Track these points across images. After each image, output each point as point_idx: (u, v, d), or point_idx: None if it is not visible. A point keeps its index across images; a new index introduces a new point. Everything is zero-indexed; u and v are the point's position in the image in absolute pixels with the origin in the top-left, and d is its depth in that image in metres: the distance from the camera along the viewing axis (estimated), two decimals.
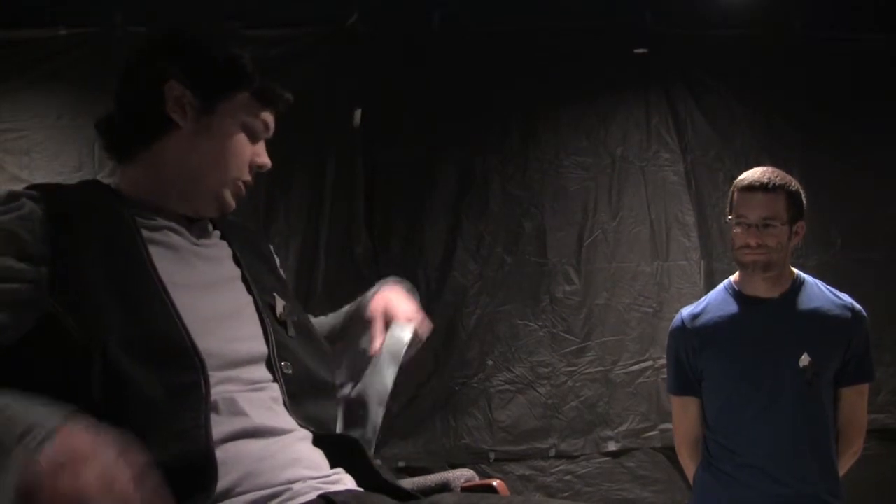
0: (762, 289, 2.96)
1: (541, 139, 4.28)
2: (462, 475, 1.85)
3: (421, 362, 4.07)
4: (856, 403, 3.02)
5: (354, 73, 4.14)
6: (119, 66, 3.41)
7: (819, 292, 3.02)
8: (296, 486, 1.46)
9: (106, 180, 1.73)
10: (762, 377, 2.89)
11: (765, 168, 2.98)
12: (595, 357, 4.17)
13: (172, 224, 1.63)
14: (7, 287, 1.42)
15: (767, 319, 2.94)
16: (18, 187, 1.56)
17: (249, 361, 1.56)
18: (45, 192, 1.52)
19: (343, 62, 4.14)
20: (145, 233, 1.57)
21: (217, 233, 1.74)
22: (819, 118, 4.36)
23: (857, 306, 3.00)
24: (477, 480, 1.84)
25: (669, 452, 4.10)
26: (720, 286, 3.11)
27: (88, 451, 1.19)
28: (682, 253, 4.23)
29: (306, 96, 4.05)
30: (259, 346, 1.60)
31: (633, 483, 4.06)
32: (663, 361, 4.06)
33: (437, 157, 4.21)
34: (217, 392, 1.47)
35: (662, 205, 4.27)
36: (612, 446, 4.17)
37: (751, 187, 2.90)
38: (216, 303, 1.58)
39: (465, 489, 1.80)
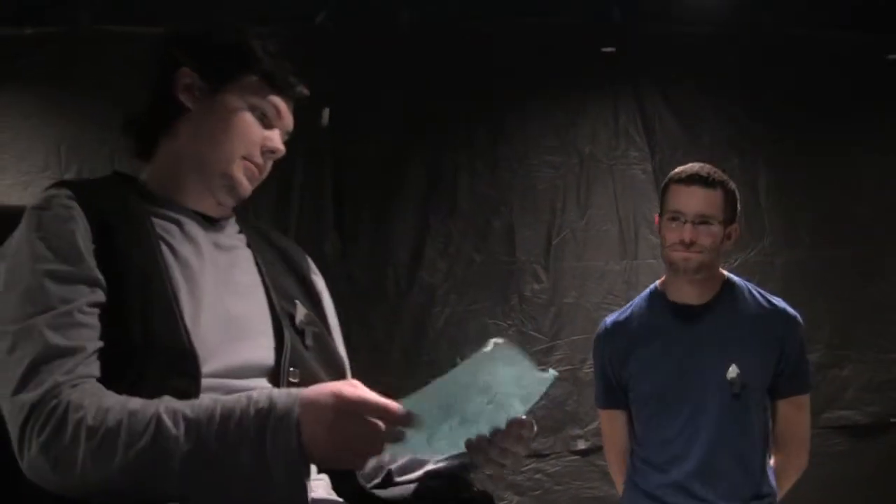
0: (689, 294, 2.83)
1: (509, 137, 4.28)
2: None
3: (391, 362, 4.06)
4: (795, 416, 2.87)
5: (322, 72, 4.12)
6: (87, 65, 3.38)
7: (750, 297, 2.87)
8: None
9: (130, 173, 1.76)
10: (688, 390, 2.75)
11: (702, 163, 2.87)
12: (564, 356, 4.16)
13: (192, 220, 1.66)
14: (92, 298, 1.46)
15: (694, 328, 2.80)
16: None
17: (248, 368, 1.56)
18: (78, 192, 1.55)
19: (311, 60, 4.11)
20: (162, 226, 1.60)
21: (242, 236, 1.76)
22: (788, 116, 4.38)
23: (791, 311, 2.85)
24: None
25: None
26: (646, 291, 3.00)
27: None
28: (651, 251, 4.22)
29: None
30: (262, 354, 1.59)
31: (603, 481, 4.05)
32: None
33: (405, 155, 4.20)
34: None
35: (631, 203, 4.28)
36: (581, 444, 4.16)
37: (689, 180, 2.78)
38: (227, 305, 1.59)
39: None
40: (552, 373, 1.55)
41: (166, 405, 1.36)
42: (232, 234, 1.75)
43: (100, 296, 1.46)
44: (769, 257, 4.31)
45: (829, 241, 4.37)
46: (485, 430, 1.54)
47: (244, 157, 1.70)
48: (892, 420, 4.37)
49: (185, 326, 1.47)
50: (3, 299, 1.46)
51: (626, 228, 4.26)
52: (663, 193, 2.88)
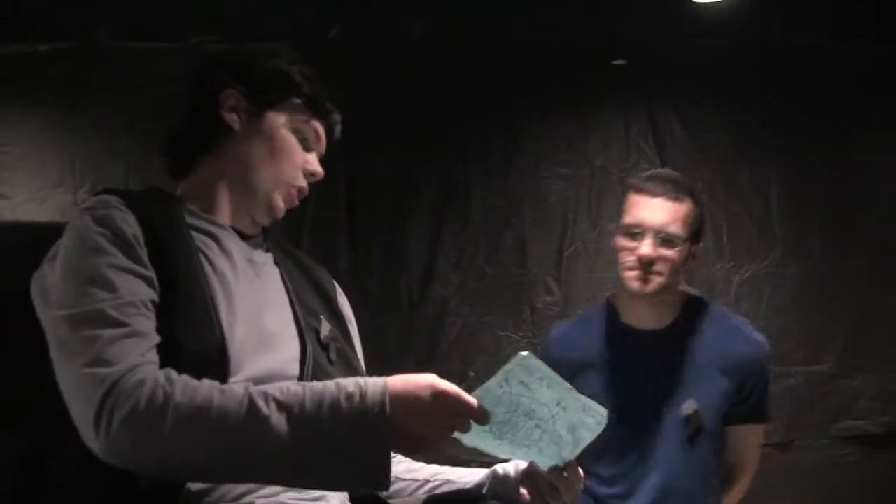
0: (645, 318, 2.57)
1: (521, 150, 4.29)
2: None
3: (404, 373, 4.06)
4: (747, 441, 2.68)
5: (335, 86, 4.13)
6: (102, 80, 3.40)
7: (714, 324, 2.60)
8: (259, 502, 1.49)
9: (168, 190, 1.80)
10: (641, 426, 2.51)
11: (669, 170, 2.64)
12: None
13: (228, 235, 1.71)
14: (152, 295, 1.50)
15: (649, 357, 2.54)
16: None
17: (273, 378, 1.57)
18: (127, 199, 1.59)
19: (323, 75, 4.13)
20: (201, 239, 1.64)
21: (269, 253, 1.81)
22: (799, 126, 4.37)
23: (758, 339, 2.62)
24: None
25: None
26: (599, 305, 2.74)
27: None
28: None
29: None
30: (288, 365, 1.63)
31: None
32: None
33: (418, 168, 4.22)
34: None
35: None
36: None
37: (652, 189, 2.49)
38: (258, 317, 1.63)
39: None
40: (603, 410, 1.63)
41: (255, 387, 1.40)
42: (261, 250, 1.80)
43: (154, 296, 1.51)
44: (780, 268, 4.31)
45: (840, 252, 4.36)
46: (537, 456, 1.66)
47: (287, 181, 1.75)
48: None
49: (222, 335, 1.51)
50: (63, 287, 1.49)
51: None
52: (623, 201, 2.58)
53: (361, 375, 1.76)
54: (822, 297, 4.33)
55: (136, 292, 1.48)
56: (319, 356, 1.69)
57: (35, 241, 1.62)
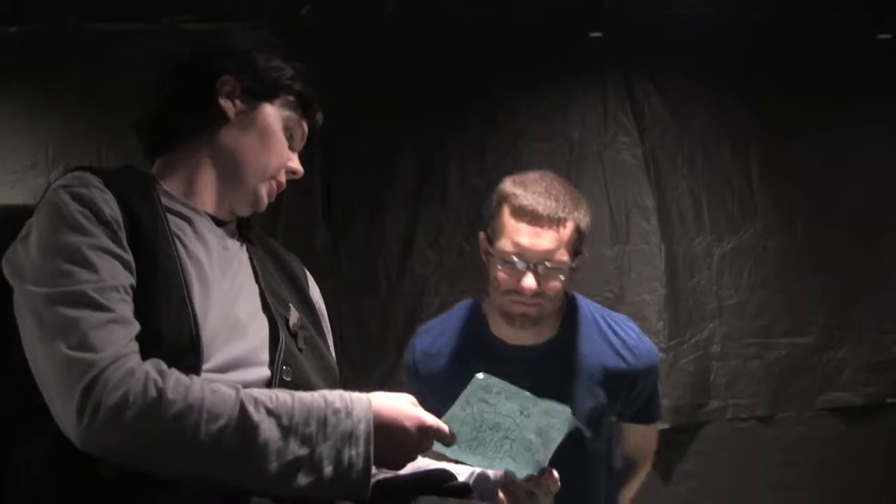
0: (521, 336, 2.37)
1: (499, 126, 4.25)
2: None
3: (382, 354, 4.05)
4: (642, 437, 2.61)
5: (308, 65, 4.10)
6: (73, 63, 3.37)
7: (595, 332, 2.43)
8: None
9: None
10: None
11: (547, 182, 2.30)
12: None
13: (203, 220, 1.68)
14: (130, 280, 1.48)
15: (526, 374, 2.10)
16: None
17: (244, 363, 1.58)
18: (105, 178, 1.56)
19: (296, 54, 4.10)
20: (176, 223, 1.61)
21: (241, 242, 1.79)
22: (779, 100, 4.34)
23: (645, 346, 2.47)
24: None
25: None
26: (466, 311, 2.51)
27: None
28: (642, 237, 4.21)
29: None
30: (258, 352, 1.62)
31: None
32: None
33: (394, 147, 4.18)
34: None
35: (622, 189, 4.25)
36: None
37: (535, 216, 2.21)
38: (231, 304, 1.62)
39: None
40: (566, 408, 1.71)
41: (245, 392, 1.42)
42: (234, 238, 1.77)
43: (133, 280, 1.48)
44: (762, 240, 4.29)
45: (822, 223, 4.35)
46: (511, 465, 1.77)
47: (272, 176, 1.75)
48: (889, 401, 4.35)
49: (195, 322, 1.50)
50: (41, 263, 1.45)
51: (617, 214, 4.24)
52: (496, 213, 2.29)
53: (331, 364, 1.82)
54: (805, 270, 4.32)
55: (117, 276, 1.45)
56: (290, 343, 1.68)
57: (6, 222, 1.58)
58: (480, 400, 1.63)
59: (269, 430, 1.38)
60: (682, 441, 4.20)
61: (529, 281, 2.22)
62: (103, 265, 1.44)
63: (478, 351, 2.38)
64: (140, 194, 1.59)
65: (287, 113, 1.76)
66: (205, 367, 1.49)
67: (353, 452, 1.42)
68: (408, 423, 1.51)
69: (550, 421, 1.70)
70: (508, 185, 2.31)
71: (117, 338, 1.38)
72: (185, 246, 1.59)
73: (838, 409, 4.32)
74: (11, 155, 3.99)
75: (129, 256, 1.48)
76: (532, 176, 2.33)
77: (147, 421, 1.33)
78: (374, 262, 4.11)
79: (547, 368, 2.35)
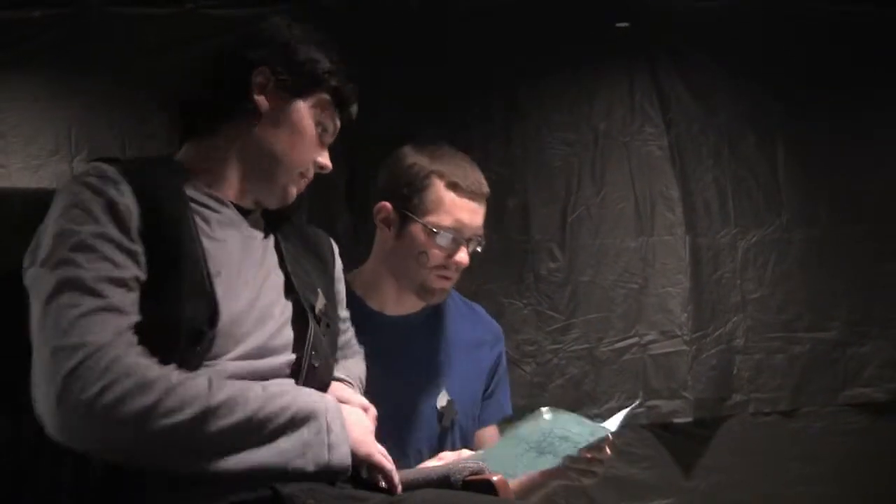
0: (402, 305, 2.38)
1: (523, 115, 4.22)
2: (467, 468, 1.84)
3: None
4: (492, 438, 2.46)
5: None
6: (96, 47, 3.34)
7: (459, 305, 2.50)
8: None
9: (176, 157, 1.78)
10: (399, 420, 2.25)
11: (470, 161, 2.43)
12: (580, 334, 4.12)
13: (228, 209, 1.70)
14: (137, 272, 1.49)
15: (401, 344, 2.33)
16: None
17: (271, 351, 1.61)
18: (124, 169, 1.57)
19: (332, 43, 4.08)
20: (200, 212, 1.62)
21: (268, 229, 1.80)
22: (807, 90, 4.31)
23: (494, 322, 2.55)
24: (484, 474, 1.81)
25: (657, 430, 4.09)
26: None
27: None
28: (667, 228, 4.18)
29: None
30: (284, 339, 1.65)
31: (621, 461, 4.02)
32: (650, 338, 4.07)
33: (418, 134, 4.15)
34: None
35: (647, 180, 4.22)
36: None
37: (474, 193, 2.32)
38: (257, 292, 1.64)
39: (466, 483, 1.80)
40: (605, 427, 2.02)
41: (218, 379, 1.44)
42: (258, 223, 1.78)
43: (140, 272, 1.48)
44: (787, 234, 4.26)
45: (847, 217, 4.31)
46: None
47: (303, 173, 1.76)
48: None
49: (217, 310, 1.51)
50: (50, 247, 1.46)
51: (642, 205, 4.21)
52: (420, 187, 2.32)
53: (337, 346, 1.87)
54: (830, 264, 4.29)
55: (122, 266, 1.46)
56: (317, 329, 1.70)
57: (27, 213, 1.59)
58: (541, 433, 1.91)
59: (236, 419, 1.41)
60: (703, 435, 4.18)
61: (464, 256, 2.29)
62: (108, 254, 1.45)
63: (359, 321, 2.21)
64: (163, 184, 1.59)
65: (320, 108, 1.76)
66: (232, 353, 1.51)
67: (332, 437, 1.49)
68: (356, 406, 1.66)
69: (589, 438, 2.03)
70: (427, 158, 2.36)
71: (106, 325, 1.39)
72: (208, 236, 1.60)
73: (861, 405, 4.28)
74: (33, 140, 3.97)
75: (137, 247, 1.49)
76: (447, 148, 2.42)
77: (121, 411, 1.34)
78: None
79: (423, 337, 2.38)
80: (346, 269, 2.08)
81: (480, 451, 2.04)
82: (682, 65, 4.29)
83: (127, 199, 1.51)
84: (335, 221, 4.02)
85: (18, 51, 4.03)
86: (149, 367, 1.39)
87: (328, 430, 1.50)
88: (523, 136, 4.20)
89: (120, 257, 1.46)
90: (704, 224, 4.22)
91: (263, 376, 1.57)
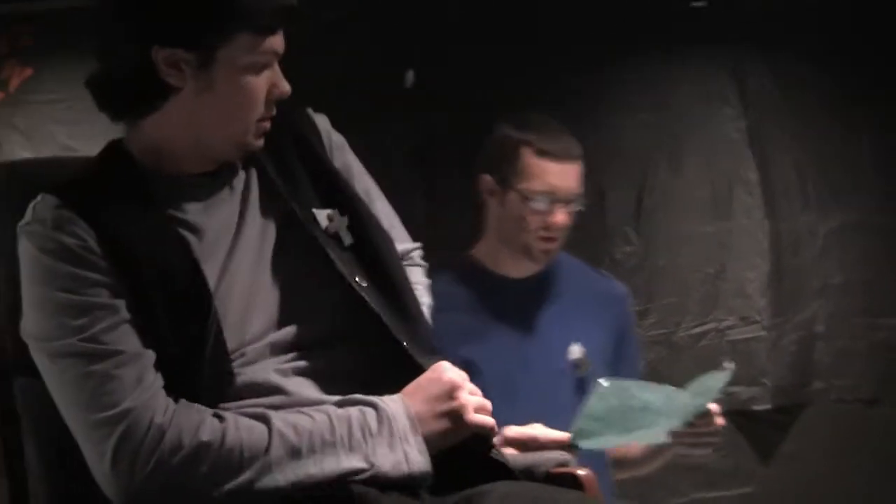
0: (519, 268, 2.52)
1: (599, 97, 4.19)
2: (553, 459, 1.79)
3: None
4: None
5: (405, 35, 4.08)
6: None
7: (573, 266, 2.63)
8: None
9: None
10: (531, 378, 2.42)
11: (558, 125, 2.54)
12: (657, 319, 4.08)
13: (196, 184, 1.55)
14: (111, 303, 1.41)
15: (527, 305, 2.48)
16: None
17: (302, 319, 1.53)
18: (68, 197, 1.45)
19: (394, 23, 4.10)
20: (171, 202, 1.51)
21: (244, 174, 1.61)
22: (892, 76, 4.18)
23: (620, 285, 2.71)
24: (570, 467, 1.77)
25: (734, 416, 4.00)
26: (459, 261, 2.60)
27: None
28: (745, 212, 4.11)
29: (357, 57, 4.02)
30: (306, 311, 1.54)
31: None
32: (727, 323, 4.01)
33: (492, 118, 4.11)
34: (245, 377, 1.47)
35: (724, 163, 4.15)
36: None
37: (560, 154, 2.42)
38: (258, 266, 1.54)
39: (550, 476, 1.74)
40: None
41: (278, 418, 1.39)
42: (235, 173, 1.61)
43: (123, 302, 1.41)
44: (869, 217, 4.15)
45: None
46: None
47: (257, 121, 1.54)
48: None
49: (219, 329, 1.43)
50: (31, 319, 1.42)
51: (719, 189, 4.14)
52: (512, 157, 2.46)
53: (381, 232, 1.67)
54: None
55: (110, 308, 1.39)
56: (344, 258, 1.56)
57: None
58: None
59: (310, 452, 1.38)
60: (783, 421, 4.12)
61: (560, 217, 2.41)
62: (90, 304, 1.38)
63: (479, 286, 2.50)
64: (123, 198, 1.48)
65: (247, 49, 1.46)
66: (251, 347, 1.47)
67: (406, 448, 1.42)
68: (437, 391, 1.51)
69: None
70: (515, 128, 2.51)
71: (126, 385, 1.34)
72: (191, 229, 1.50)
73: None
74: (108, 125, 3.98)
75: (114, 281, 1.40)
76: (534, 116, 2.55)
77: (186, 475, 1.33)
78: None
79: (545, 298, 2.53)
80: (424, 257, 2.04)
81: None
82: (761, 45, 4.19)
83: (81, 236, 1.40)
84: (413, 210, 3.99)
85: (82, 38, 3.96)
86: (196, 425, 1.36)
87: (403, 439, 1.44)
88: (598, 120, 4.16)
89: (102, 298, 1.39)
90: (784, 208, 4.13)
91: (322, 373, 1.52)
